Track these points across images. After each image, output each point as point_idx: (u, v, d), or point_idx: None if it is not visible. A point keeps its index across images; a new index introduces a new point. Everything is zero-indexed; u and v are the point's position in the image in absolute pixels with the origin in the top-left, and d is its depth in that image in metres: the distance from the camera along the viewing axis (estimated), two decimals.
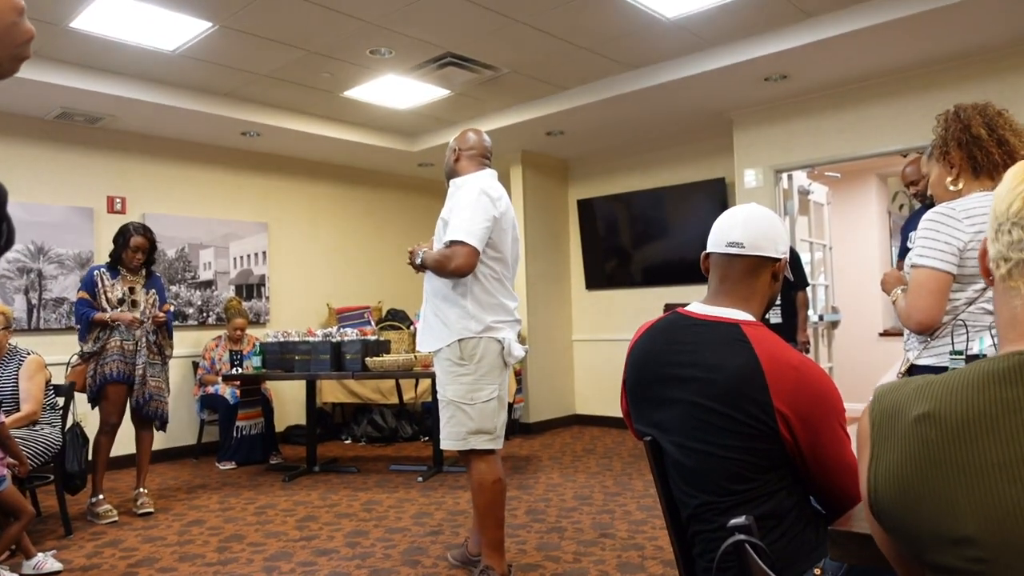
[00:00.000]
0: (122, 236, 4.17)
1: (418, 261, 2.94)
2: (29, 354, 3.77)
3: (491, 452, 2.90)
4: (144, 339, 4.16)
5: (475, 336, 2.84)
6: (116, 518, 4.06)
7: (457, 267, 2.77)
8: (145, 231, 4.22)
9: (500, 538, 2.92)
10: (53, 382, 3.95)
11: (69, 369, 4.17)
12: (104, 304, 4.10)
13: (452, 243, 2.80)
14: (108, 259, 4.24)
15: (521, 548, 3.47)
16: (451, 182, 3.06)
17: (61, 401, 3.95)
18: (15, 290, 5.24)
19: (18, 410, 3.61)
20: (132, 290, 4.19)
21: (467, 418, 2.84)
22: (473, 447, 2.86)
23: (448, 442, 2.91)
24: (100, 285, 4.12)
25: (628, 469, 5.13)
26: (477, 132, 3.13)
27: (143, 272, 4.28)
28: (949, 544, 0.79)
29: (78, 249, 5.47)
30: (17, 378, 3.68)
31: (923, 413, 0.83)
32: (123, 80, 4.96)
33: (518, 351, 2.90)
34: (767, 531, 1.35)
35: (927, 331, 2.05)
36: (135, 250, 4.15)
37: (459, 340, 2.86)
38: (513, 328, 2.97)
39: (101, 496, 4.13)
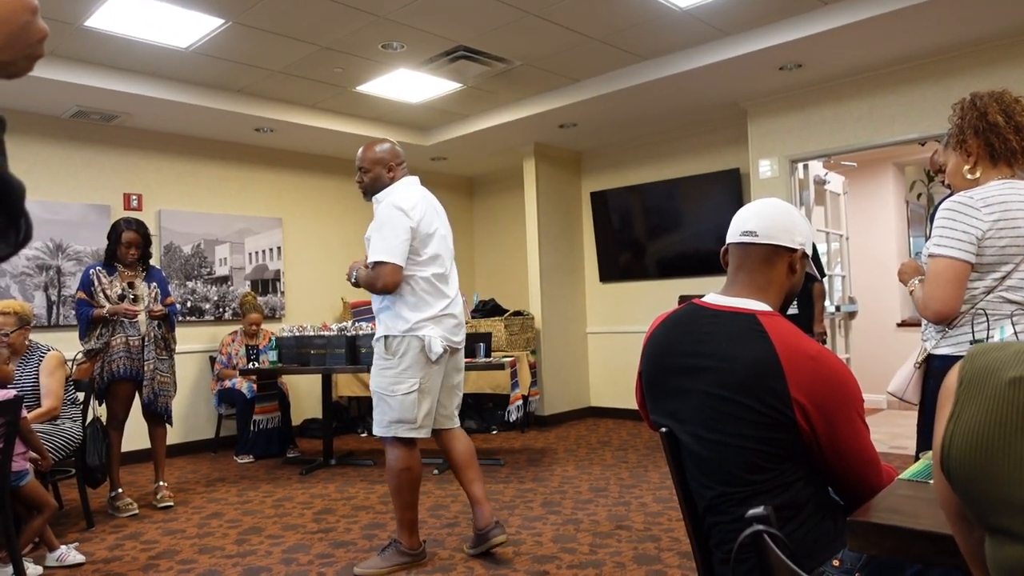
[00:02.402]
0: (114, 232, 4.17)
1: (352, 279, 3.20)
2: (49, 350, 3.80)
3: (410, 441, 3.11)
4: (151, 334, 4.15)
5: (399, 335, 3.08)
6: (136, 511, 4.11)
7: (384, 285, 3.04)
8: (137, 226, 4.18)
9: (410, 519, 3.14)
10: (72, 378, 4.00)
11: (75, 367, 4.15)
12: (103, 302, 4.07)
13: (376, 264, 3.04)
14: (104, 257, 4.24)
15: (537, 540, 3.48)
16: (373, 198, 3.23)
17: (81, 396, 3.99)
18: (35, 287, 5.30)
19: (39, 406, 3.65)
20: (132, 285, 4.18)
21: (388, 408, 3.08)
22: (395, 435, 3.09)
23: (376, 429, 3.15)
24: (97, 284, 4.10)
25: (644, 461, 5.13)
26: (389, 142, 3.30)
27: (140, 266, 4.25)
28: (1018, 509, 0.79)
29: (96, 246, 5.51)
30: (38, 374, 3.72)
31: (1020, 376, 0.82)
32: (138, 78, 5.00)
33: (437, 348, 3.08)
34: (785, 522, 1.35)
35: (945, 321, 2.03)
36: (128, 245, 4.13)
37: (385, 336, 3.12)
38: (440, 323, 3.13)
39: (120, 490, 4.18)
